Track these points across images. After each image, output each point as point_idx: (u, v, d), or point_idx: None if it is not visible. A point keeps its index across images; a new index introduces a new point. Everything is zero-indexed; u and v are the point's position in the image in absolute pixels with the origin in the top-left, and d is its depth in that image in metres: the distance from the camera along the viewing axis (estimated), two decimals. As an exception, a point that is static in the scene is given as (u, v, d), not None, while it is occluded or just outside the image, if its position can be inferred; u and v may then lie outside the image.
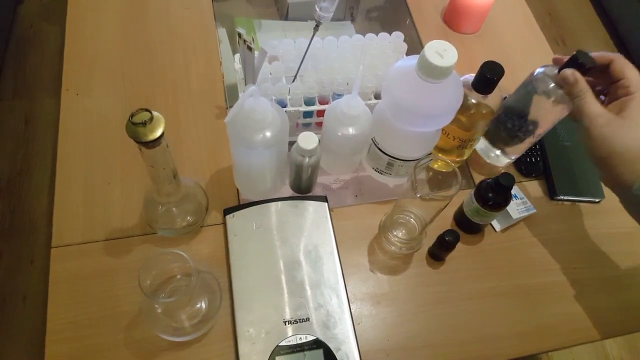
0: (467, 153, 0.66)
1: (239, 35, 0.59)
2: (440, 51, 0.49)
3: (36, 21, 1.68)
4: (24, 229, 1.29)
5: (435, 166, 0.54)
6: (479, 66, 0.55)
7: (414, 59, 0.52)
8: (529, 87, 0.58)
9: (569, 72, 0.52)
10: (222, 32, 0.87)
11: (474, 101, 0.57)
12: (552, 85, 0.55)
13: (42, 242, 1.28)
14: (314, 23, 0.67)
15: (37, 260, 1.24)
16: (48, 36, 1.65)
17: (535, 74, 0.58)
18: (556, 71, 0.55)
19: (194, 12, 0.80)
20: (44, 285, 1.20)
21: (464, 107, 0.57)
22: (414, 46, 0.82)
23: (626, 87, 0.51)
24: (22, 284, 1.21)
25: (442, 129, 0.61)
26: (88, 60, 0.73)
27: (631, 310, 0.61)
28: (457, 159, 0.67)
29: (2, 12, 1.61)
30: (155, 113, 0.42)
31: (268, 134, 0.51)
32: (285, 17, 0.94)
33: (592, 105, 0.51)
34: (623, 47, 1.81)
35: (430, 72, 0.49)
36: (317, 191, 0.66)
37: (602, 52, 0.53)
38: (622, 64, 0.52)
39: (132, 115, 0.42)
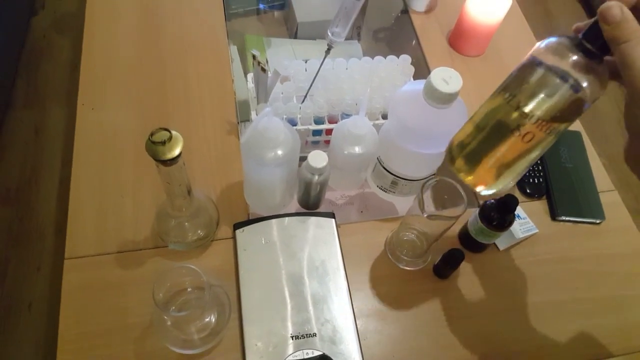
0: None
1: (254, 57, 0.62)
2: (446, 78, 0.51)
3: (49, 33, 1.72)
4: (31, 237, 1.31)
5: None
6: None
7: (420, 84, 0.54)
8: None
9: (614, 4, 0.34)
10: (234, 50, 0.90)
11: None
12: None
13: (49, 250, 1.29)
14: (322, 41, 0.69)
15: (44, 267, 1.25)
16: (60, 48, 1.68)
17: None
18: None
19: (207, 29, 0.83)
20: (50, 292, 1.22)
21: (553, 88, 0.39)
22: (420, 67, 0.84)
23: None
24: (28, 291, 1.22)
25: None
26: (103, 76, 0.75)
27: (631, 330, 0.62)
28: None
29: (17, 23, 1.65)
30: (174, 132, 0.44)
31: (280, 152, 0.53)
32: (295, 36, 0.97)
33: None
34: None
35: (436, 97, 0.51)
36: (323, 207, 0.68)
37: None
38: None
39: (151, 134, 0.44)
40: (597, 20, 0.35)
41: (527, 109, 0.39)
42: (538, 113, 0.39)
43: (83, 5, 0.82)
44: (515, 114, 0.39)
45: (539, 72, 0.38)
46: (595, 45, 0.36)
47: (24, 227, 1.33)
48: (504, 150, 0.41)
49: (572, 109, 0.39)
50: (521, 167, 0.42)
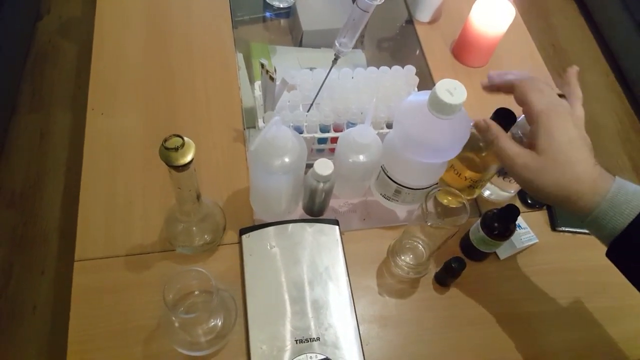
0: (477, 192, 0.69)
1: (262, 65, 0.63)
2: (451, 89, 0.52)
3: (54, 37, 1.73)
4: (35, 241, 1.32)
5: (445, 201, 0.56)
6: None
7: (425, 95, 0.55)
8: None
9: (480, 120, 0.51)
10: (240, 58, 0.91)
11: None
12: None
13: (53, 253, 1.30)
14: (326, 50, 0.71)
15: (48, 271, 1.26)
16: (65, 52, 1.70)
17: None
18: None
19: (214, 36, 0.84)
20: (54, 296, 1.23)
21: (477, 149, 0.60)
22: (423, 76, 0.85)
23: (530, 114, 0.46)
24: (32, 295, 1.23)
25: (454, 169, 0.64)
26: (112, 81, 0.77)
27: (629, 340, 0.63)
28: (468, 198, 0.69)
29: (22, 28, 1.67)
30: (186, 139, 0.46)
31: (287, 159, 0.54)
32: (300, 44, 0.98)
33: (507, 146, 0.47)
34: (623, 80, 1.86)
35: (441, 108, 0.53)
36: (326, 214, 0.69)
37: (507, 78, 0.50)
38: (523, 88, 0.47)
39: (165, 141, 0.45)
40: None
41: (460, 169, 0.63)
42: (467, 172, 0.62)
43: (88, 10, 0.85)
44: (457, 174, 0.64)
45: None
46: None
47: (28, 231, 1.34)
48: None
49: (482, 163, 0.61)
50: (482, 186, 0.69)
